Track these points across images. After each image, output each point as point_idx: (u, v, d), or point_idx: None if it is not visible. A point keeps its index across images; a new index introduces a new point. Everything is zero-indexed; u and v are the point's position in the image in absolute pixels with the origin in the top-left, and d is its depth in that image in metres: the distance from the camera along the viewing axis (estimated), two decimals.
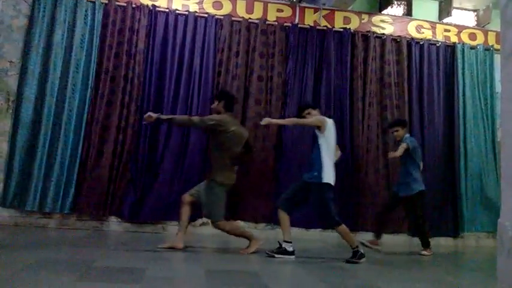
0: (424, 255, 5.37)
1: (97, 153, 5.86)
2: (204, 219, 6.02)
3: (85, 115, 5.94)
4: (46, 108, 5.81)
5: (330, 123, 4.57)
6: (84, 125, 5.92)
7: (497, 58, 7.26)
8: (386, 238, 6.39)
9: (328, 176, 4.39)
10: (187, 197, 4.56)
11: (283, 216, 4.55)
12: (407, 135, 5.72)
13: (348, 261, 4.32)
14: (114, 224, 5.87)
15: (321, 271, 3.97)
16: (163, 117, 4.59)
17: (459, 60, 7.19)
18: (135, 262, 3.70)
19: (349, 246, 4.43)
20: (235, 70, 6.45)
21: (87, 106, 5.96)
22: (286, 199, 4.62)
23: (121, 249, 4.51)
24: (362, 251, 4.41)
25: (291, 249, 4.44)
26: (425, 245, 5.49)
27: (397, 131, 5.67)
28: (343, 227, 4.42)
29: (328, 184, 4.39)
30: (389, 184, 6.58)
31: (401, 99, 6.90)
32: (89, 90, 5.99)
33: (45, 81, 5.87)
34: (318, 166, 4.41)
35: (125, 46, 6.15)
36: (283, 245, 4.44)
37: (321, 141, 4.49)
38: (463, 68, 7.20)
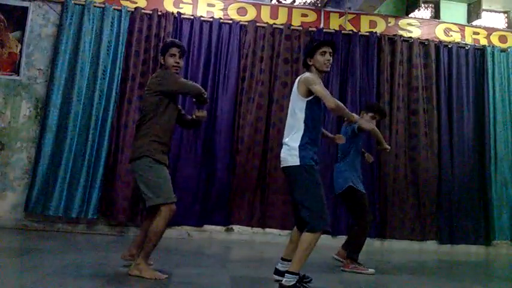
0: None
1: (123, 158, 5.87)
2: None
3: (109, 120, 5.99)
4: (73, 114, 5.88)
5: None
6: (109, 130, 5.97)
7: None
8: (415, 245, 6.26)
9: None
10: None
11: None
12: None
13: None
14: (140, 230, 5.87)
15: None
16: None
17: (489, 64, 6.98)
18: (160, 267, 3.68)
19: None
20: (260, 76, 6.42)
21: (111, 112, 6.02)
22: None
23: None
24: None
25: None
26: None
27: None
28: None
29: None
30: (418, 191, 6.43)
31: (429, 103, 6.73)
32: (114, 96, 6.05)
33: (72, 88, 5.94)
34: None
35: (151, 53, 6.19)
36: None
37: None
38: (493, 71, 6.98)
